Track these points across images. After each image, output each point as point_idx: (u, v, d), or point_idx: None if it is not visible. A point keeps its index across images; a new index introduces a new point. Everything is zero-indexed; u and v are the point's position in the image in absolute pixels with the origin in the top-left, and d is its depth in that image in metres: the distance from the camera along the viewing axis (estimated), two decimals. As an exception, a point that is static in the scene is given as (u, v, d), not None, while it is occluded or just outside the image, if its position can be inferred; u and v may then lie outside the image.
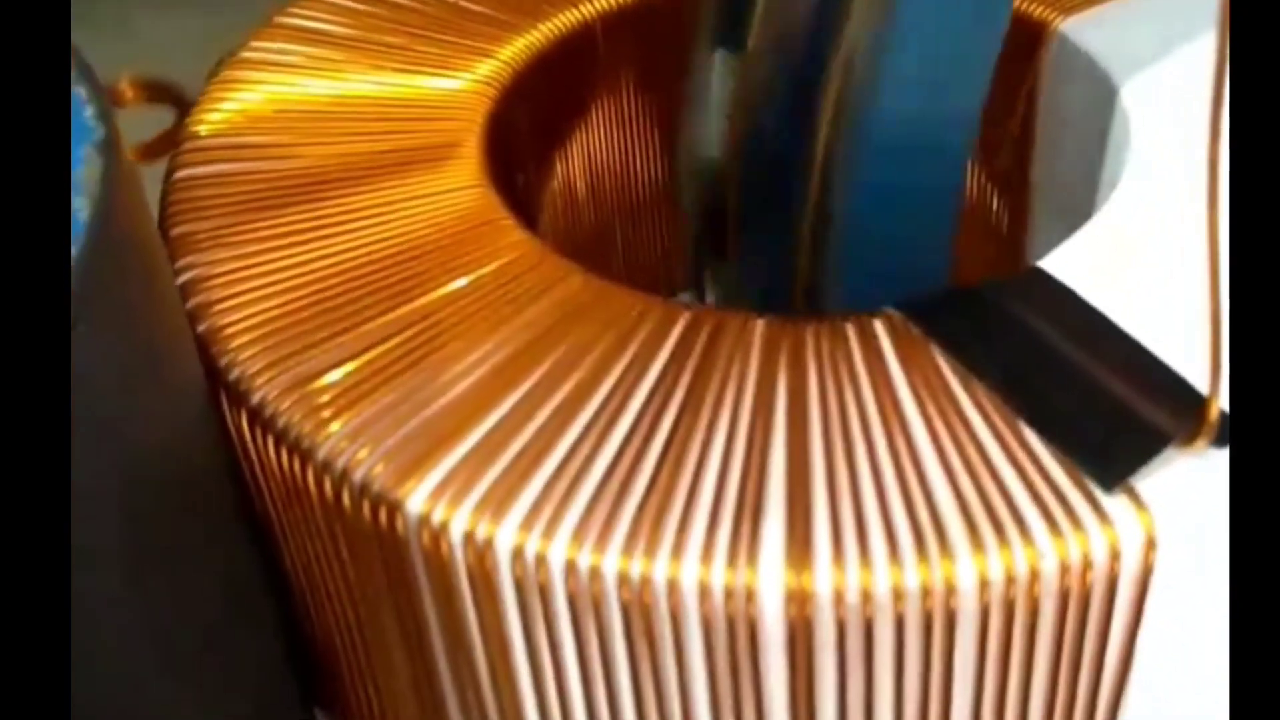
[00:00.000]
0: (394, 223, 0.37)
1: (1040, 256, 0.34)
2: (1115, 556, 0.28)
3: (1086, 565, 0.28)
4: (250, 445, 0.33)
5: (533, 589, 0.29)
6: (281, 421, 0.32)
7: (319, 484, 0.32)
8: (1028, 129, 0.46)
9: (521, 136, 0.44)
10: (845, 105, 0.37)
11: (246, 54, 0.44)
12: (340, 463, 0.31)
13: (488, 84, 0.43)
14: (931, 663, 0.29)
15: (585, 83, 0.48)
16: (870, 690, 0.29)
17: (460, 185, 0.38)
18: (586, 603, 0.29)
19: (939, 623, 0.28)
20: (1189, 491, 0.29)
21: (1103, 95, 0.41)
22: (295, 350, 0.33)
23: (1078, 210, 0.42)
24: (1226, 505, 0.29)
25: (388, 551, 0.31)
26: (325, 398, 0.32)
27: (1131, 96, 0.40)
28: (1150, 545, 0.28)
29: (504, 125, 0.42)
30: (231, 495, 0.35)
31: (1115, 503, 0.28)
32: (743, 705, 0.30)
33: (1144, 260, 0.34)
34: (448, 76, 0.43)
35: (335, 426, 0.32)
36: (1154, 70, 0.41)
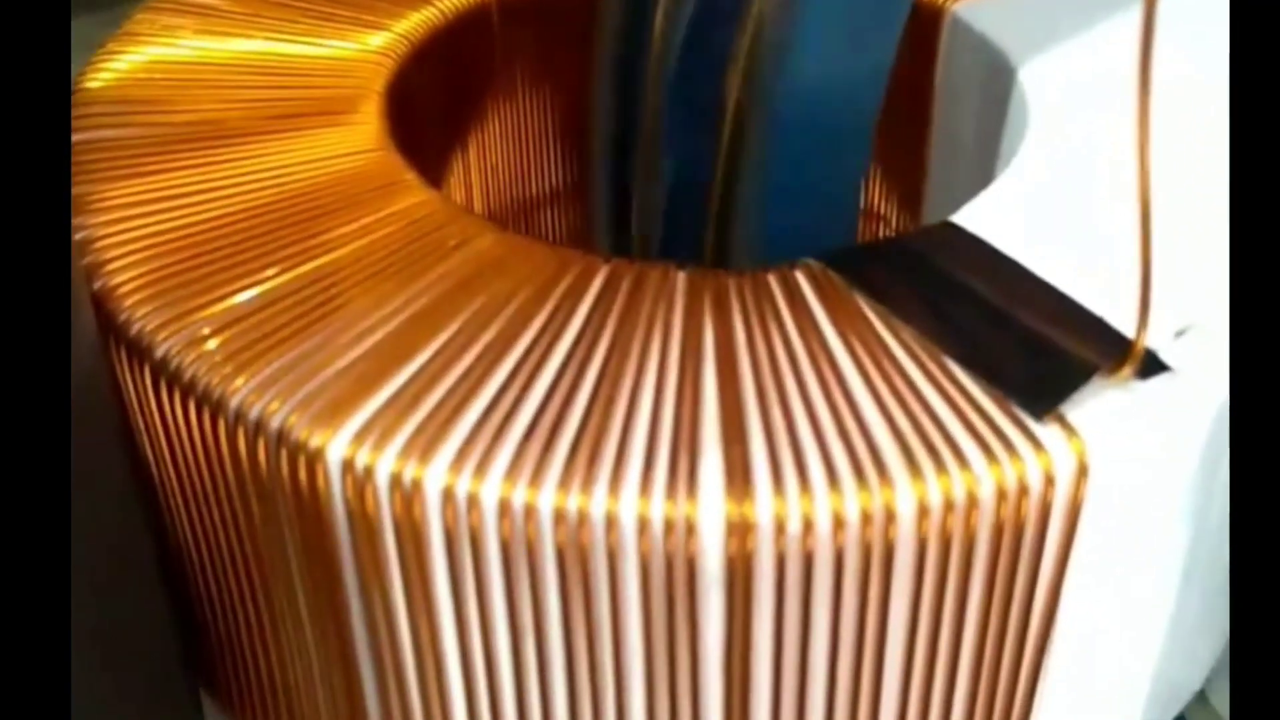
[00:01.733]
0: (291, 179, 0.36)
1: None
2: (1049, 482, 0.29)
3: (1022, 491, 0.28)
4: (152, 405, 0.32)
5: (463, 535, 0.29)
6: (188, 375, 0.31)
7: (231, 438, 0.31)
8: (923, 109, 0.47)
9: (422, 112, 0.43)
10: (760, 53, 0.37)
11: (132, 26, 0.43)
12: (253, 414, 0.30)
13: (384, 54, 0.42)
14: (868, 598, 0.29)
15: (483, 68, 0.48)
16: (806, 629, 0.29)
17: (361, 147, 0.38)
18: (520, 547, 0.28)
19: (877, 554, 0.28)
20: (1118, 424, 0.29)
21: (1000, 74, 0.43)
22: (199, 305, 0.32)
23: (973, 183, 0.43)
24: (1157, 440, 0.30)
25: (305, 507, 0.30)
26: (232, 349, 0.31)
27: (1029, 74, 0.42)
28: (1082, 471, 0.29)
29: (403, 96, 0.41)
30: (121, 465, 0.34)
31: (1047, 431, 0.29)
32: (677, 650, 0.29)
33: (1047, 216, 0.35)
34: (342, 44, 0.42)
35: (244, 378, 0.31)
36: (1048, 48, 0.42)
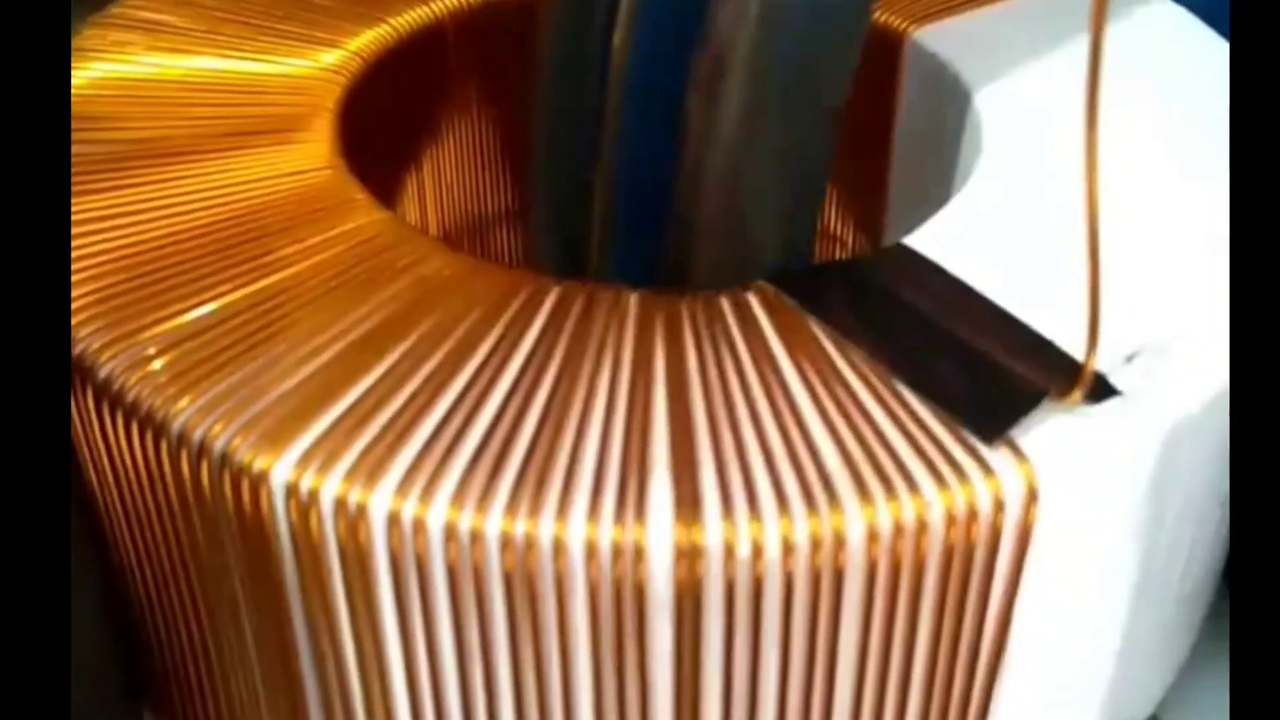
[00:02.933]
0: (240, 198, 0.36)
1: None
2: (999, 507, 0.29)
3: (971, 515, 0.29)
4: (95, 427, 0.32)
5: (409, 560, 0.29)
6: (131, 397, 0.31)
7: (174, 461, 0.30)
8: (884, 133, 0.47)
9: (375, 130, 0.43)
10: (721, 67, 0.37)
11: (80, 42, 0.42)
12: (196, 436, 0.30)
13: (337, 71, 0.42)
14: (818, 623, 0.29)
15: (437, 86, 0.48)
16: (756, 654, 0.29)
17: (311, 165, 0.38)
18: (466, 572, 0.28)
19: (827, 579, 0.28)
20: (1067, 448, 0.30)
21: (956, 98, 0.43)
22: (145, 325, 0.32)
23: (931, 208, 0.43)
24: (1106, 464, 0.30)
25: (249, 532, 0.30)
26: (175, 371, 0.31)
27: (984, 98, 0.42)
28: (1032, 496, 0.29)
29: (356, 113, 0.41)
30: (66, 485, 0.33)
31: (997, 455, 0.29)
32: (626, 676, 0.29)
33: (999, 240, 0.36)
34: (295, 61, 0.42)
35: (188, 400, 0.30)
36: (1004, 73, 0.43)
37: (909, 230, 0.36)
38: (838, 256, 0.52)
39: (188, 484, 0.30)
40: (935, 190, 0.44)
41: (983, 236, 0.36)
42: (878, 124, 0.47)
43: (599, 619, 0.29)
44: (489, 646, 0.29)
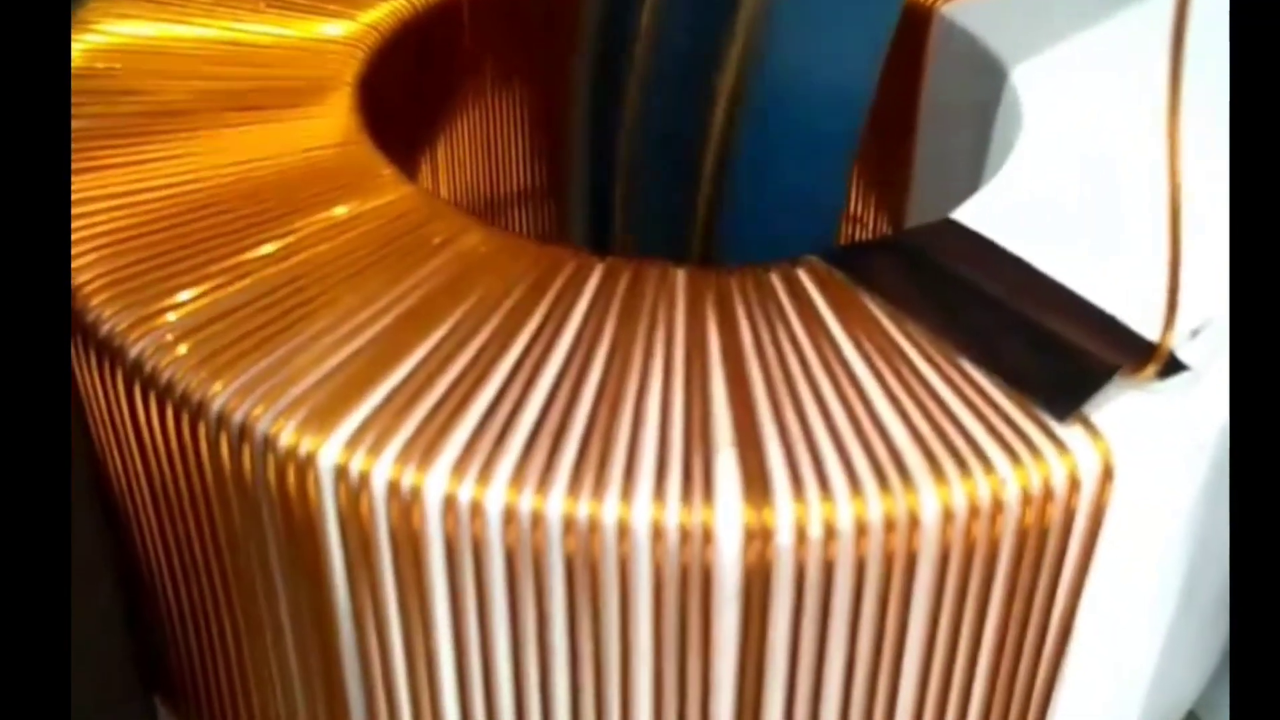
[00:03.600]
0: (261, 171, 0.35)
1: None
2: (1074, 486, 0.28)
3: (1047, 494, 0.28)
4: (123, 408, 0.31)
5: (465, 545, 0.27)
6: (165, 378, 0.30)
7: (212, 445, 0.29)
8: (910, 110, 0.46)
9: (389, 105, 0.42)
10: (750, 47, 0.36)
11: (85, 14, 0.41)
12: (237, 418, 0.29)
13: (353, 43, 0.41)
14: (888, 610, 0.28)
15: (451, 63, 0.47)
16: (823, 643, 0.28)
17: (333, 139, 0.37)
18: (526, 557, 0.27)
19: (899, 562, 0.28)
20: (1141, 425, 0.29)
21: (990, 75, 0.42)
22: (172, 304, 0.31)
23: (961, 186, 0.43)
24: (1176, 442, 0.29)
25: (293, 517, 0.29)
26: (211, 349, 0.30)
27: (1020, 73, 0.41)
28: (1107, 475, 0.28)
29: (373, 88, 0.40)
30: (79, 469, 0.32)
31: (1071, 433, 0.28)
32: (688, 665, 0.28)
33: (1046, 215, 0.35)
34: (307, 32, 0.41)
35: (225, 380, 0.29)
36: (1038, 47, 0.42)
37: (940, 208, 0.35)
38: (858, 238, 0.51)
39: (226, 468, 0.29)
40: (966, 168, 0.44)
41: (1028, 211, 0.35)
42: (903, 102, 0.46)
43: (663, 605, 0.28)
44: (545, 635, 0.28)
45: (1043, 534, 0.28)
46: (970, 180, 0.43)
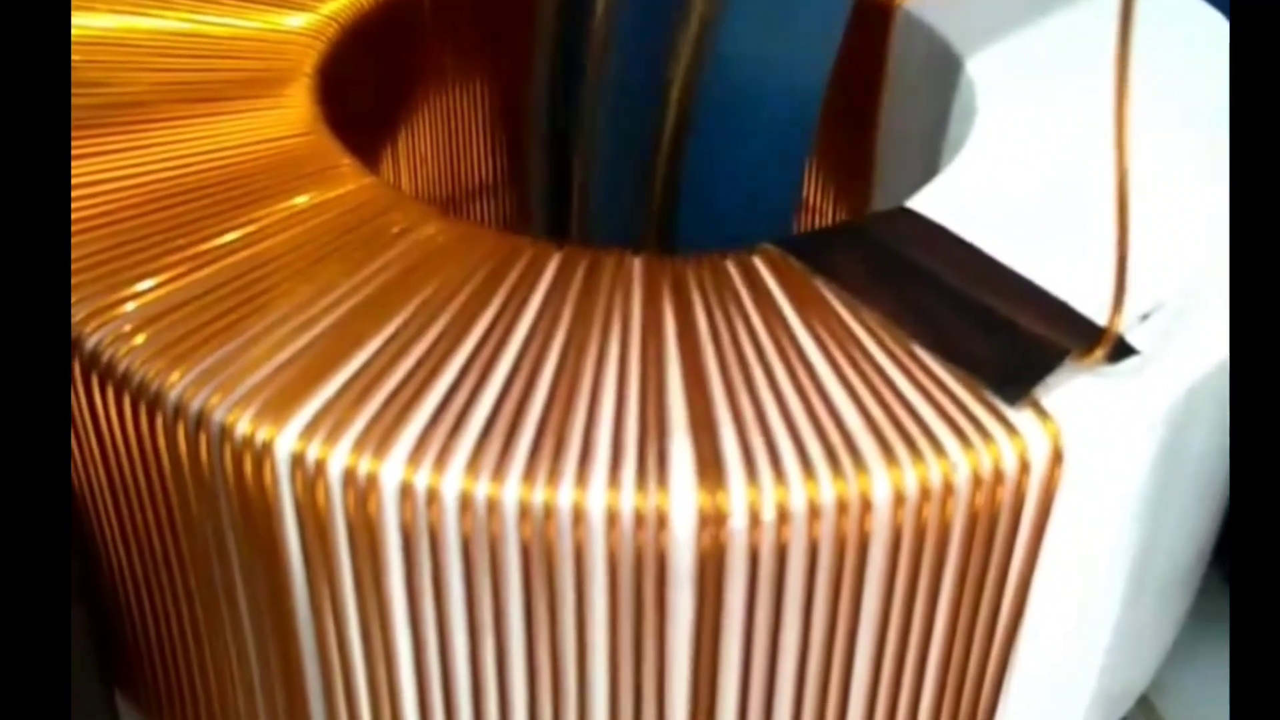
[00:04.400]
0: (219, 162, 0.35)
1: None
2: (1025, 468, 0.28)
3: (997, 477, 0.28)
4: (81, 399, 0.31)
5: (421, 533, 0.28)
6: (121, 369, 0.30)
7: (169, 435, 0.29)
8: (872, 102, 0.47)
9: (349, 97, 0.42)
10: (701, 45, 0.37)
11: (40, 4, 0.41)
12: (194, 407, 0.29)
13: (312, 34, 0.41)
14: (841, 593, 0.29)
15: (413, 56, 0.47)
16: (777, 625, 0.29)
17: (292, 129, 0.37)
18: (482, 544, 0.28)
19: (852, 546, 0.28)
20: (1089, 408, 0.29)
21: (946, 64, 0.43)
22: (128, 295, 0.31)
23: (919, 177, 0.43)
24: (1125, 425, 0.30)
25: (250, 506, 0.29)
26: (168, 340, 0.30)
27: (975, 64, 0.42)
28: (1057, 457, 0.29)
29: (332, 79, 0.40)
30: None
31: (1021, 416, 0.29)
32: (644, 648, 0.29)
33: (999, 203, 0.35)
34: (265, 23, 0.41)
35: (183, 370, 0.29)
36: (995, 38, 0.43)
37: (898, 198, 0.36)
38: (814, 226, 0.52)
39: (184, 458, 0.29)
40: (924, 159, 0.44)
41: (982, 200, 0.36)
42: (865, 94, 0.47)
43: (618, 590, 0.28)
44: (502, 621, 0.29)
45: (993, 516, 0.29)
46: (928, 171, 0.43)
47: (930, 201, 0.35)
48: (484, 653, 0.29)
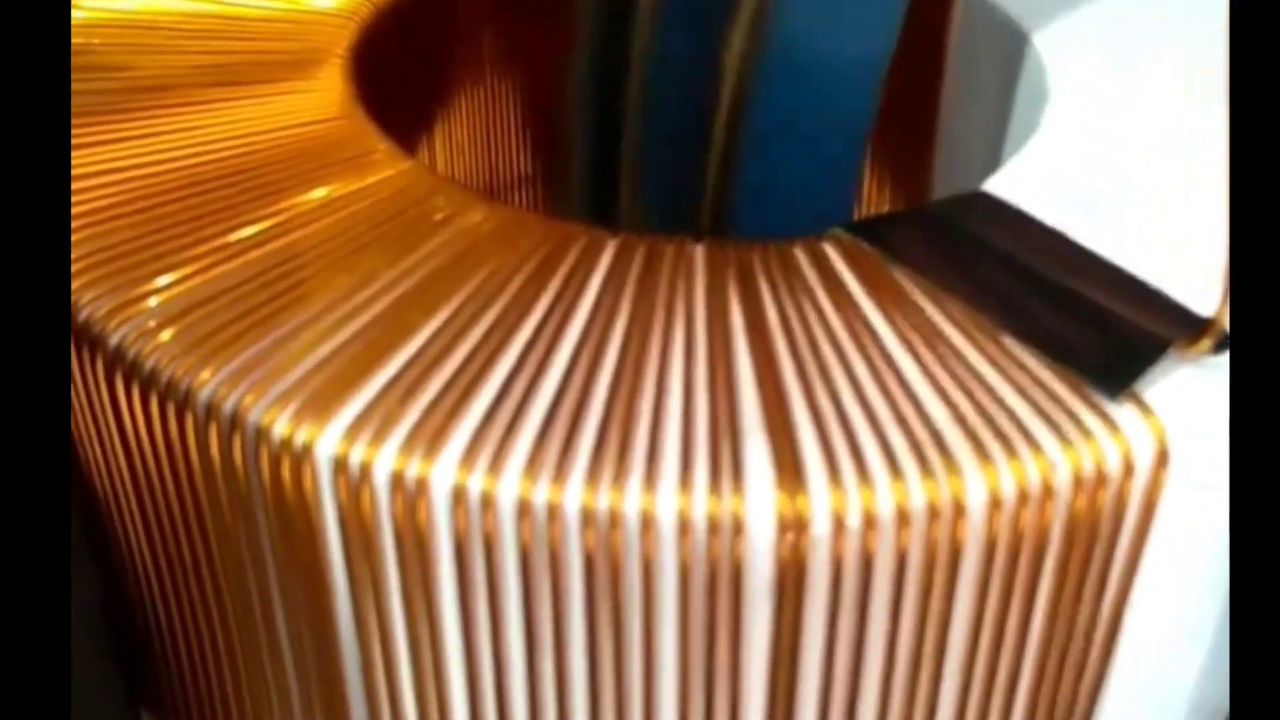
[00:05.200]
0: (250, 148, 0.34)
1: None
2: (1128, 469, 0.26)
3: (1100, 479, 0.26)
4: (103, 399, 0.29)
5: (476, 541, 0.26)
6: (148, 366, 0.28)
7: (200, 437, 0.27)
8: (934, 86, 0.45)
9: (384, 82, 0.40)
10: (759, 21, 0.35)
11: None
12: (227, 408, 0.27)
13: (345, 16, 0.39)
14: (930, 607, 0.27)
15: (448, 40, 0.45)
16: (860, 642, 0.27)
17: (325, 113, 0.35)
18: (541, 554, 0.26)
19: (943, 554, 0.26)
20: (1194, 404, 0.27)
21: (1013, 46, 0.41)
22: (155, 287, 0.29)
23: (984, 161, 0.41)
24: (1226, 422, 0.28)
25: (288, 513, 0.27)
26: (197, 336, 0.28)
27: (1043, 39, 0.40)
28: (1162, 457, 0.27)
29: (366, 62, 0.38)
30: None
31: (1123, 412, 0.27)
32: (716, 670, 0.27)
33: (1078, 186, 0.33)
34: (297, 5, 0.39)
35: (214, 368, 0.27)
36: (1061, 13, 0.41)
37: (960, 185, 0.34)
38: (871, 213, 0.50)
39: (216, 462, 0.27)
40: (989, 142, 0.42)
41: (1060, 183, 0.33)
42: (924, 77, 0.45)
43: (689, 604, 0.26)
44: (563, 639, 0.27)
45: (1094, 522, 0.27)
46: (994, 155, 0.41)
47: (1005, 185, 0.33)
48: (543, 673, 0.27)
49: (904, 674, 0.28)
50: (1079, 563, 0.27)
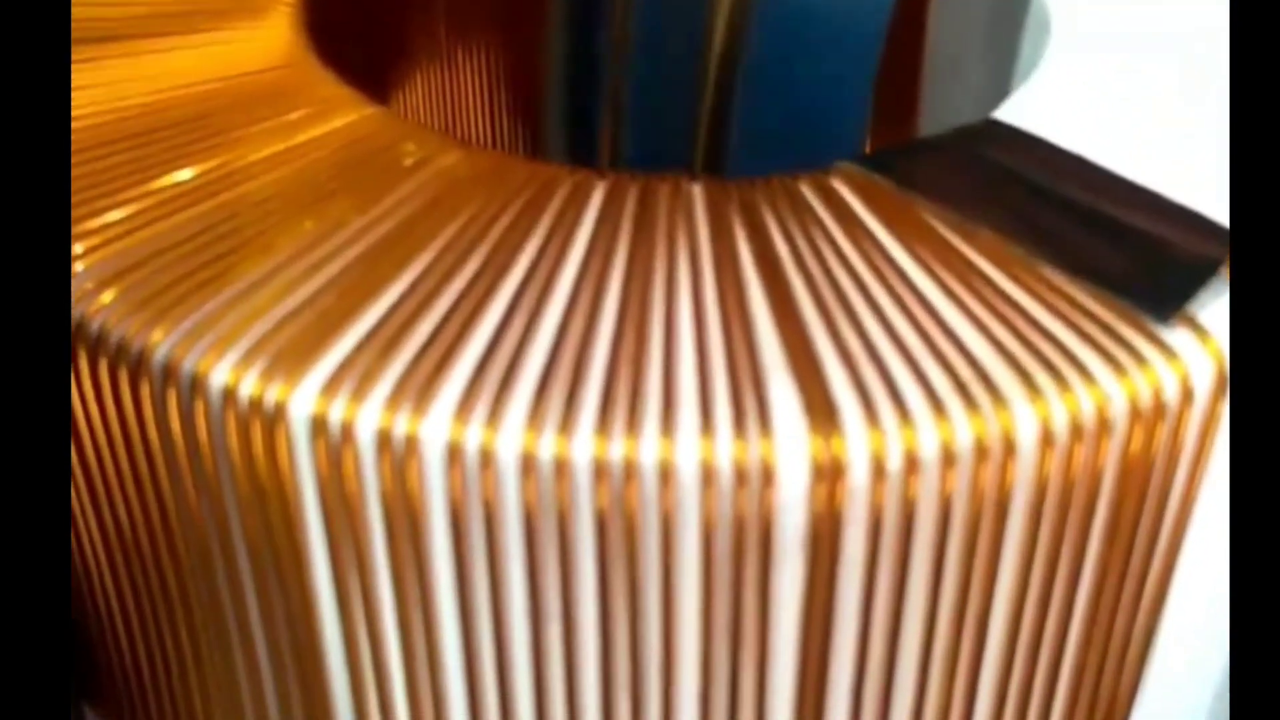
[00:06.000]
0: (201, 90, 0.31)
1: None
2: (1187, 397, 0.24)
3: (1158, 410, 0.24)
4: (46, 369, 0.26)
5: (474, 505, 0.23)
6: (95, 327, 0.25)
7: (157, 402, 0.25)
8: (918, 15, 0.43)
9: (341, 31, 0.37)
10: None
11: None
12: (186, 368, 0.24)
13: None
14: (975, 559, 0.24)
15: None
16: (900, 600, 0.25)
17: (277, 58, 0.33)
18: (549, 516, 0.23)
19: (990, 501, 0.24)
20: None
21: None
22: (102, 240, 0.27)
23: (979, 94, 0.39)
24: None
25: (260, 484, 0.24)
26: (149, 292, 0.25)
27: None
28: (1221, 383, 0.25)
29: (317, 9, 0.36)
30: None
31: (1177, 336, 0.25)
32: (742, 635, 0.24)
33: (1091, 114, 0.31)
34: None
35: (169, 326, 0.25)
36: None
37: (953, 119, 0.32)
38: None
39: (176, 431, 0.25)
40: (984, 75, 0.40)
41: (1072, 111, 0.31)
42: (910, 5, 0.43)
43: (713, 563, 0.24)
44: (572, 606, 0.24)
45: (1149, 460, 0.25)
46: (992, 87, 0.39)
47: (1019, 112, 0.31)
48: (549, 647, 0.25)
49: (946, 634, 0.25)
50: (1132, 506, 0.25)
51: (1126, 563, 0.26)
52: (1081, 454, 0.24)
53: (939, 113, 0.42)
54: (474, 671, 0.25)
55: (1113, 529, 0.25)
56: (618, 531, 0.23)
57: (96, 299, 0.26)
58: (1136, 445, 0.24)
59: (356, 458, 0.23)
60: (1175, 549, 0.27)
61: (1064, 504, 0.24)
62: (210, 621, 0.28)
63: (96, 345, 0.25)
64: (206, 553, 0.26)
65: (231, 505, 0.25)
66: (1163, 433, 0.24)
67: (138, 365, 0.25)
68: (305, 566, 0.25)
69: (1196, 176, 0.28)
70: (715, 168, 0.34)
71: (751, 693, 0.25)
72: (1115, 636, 0.27)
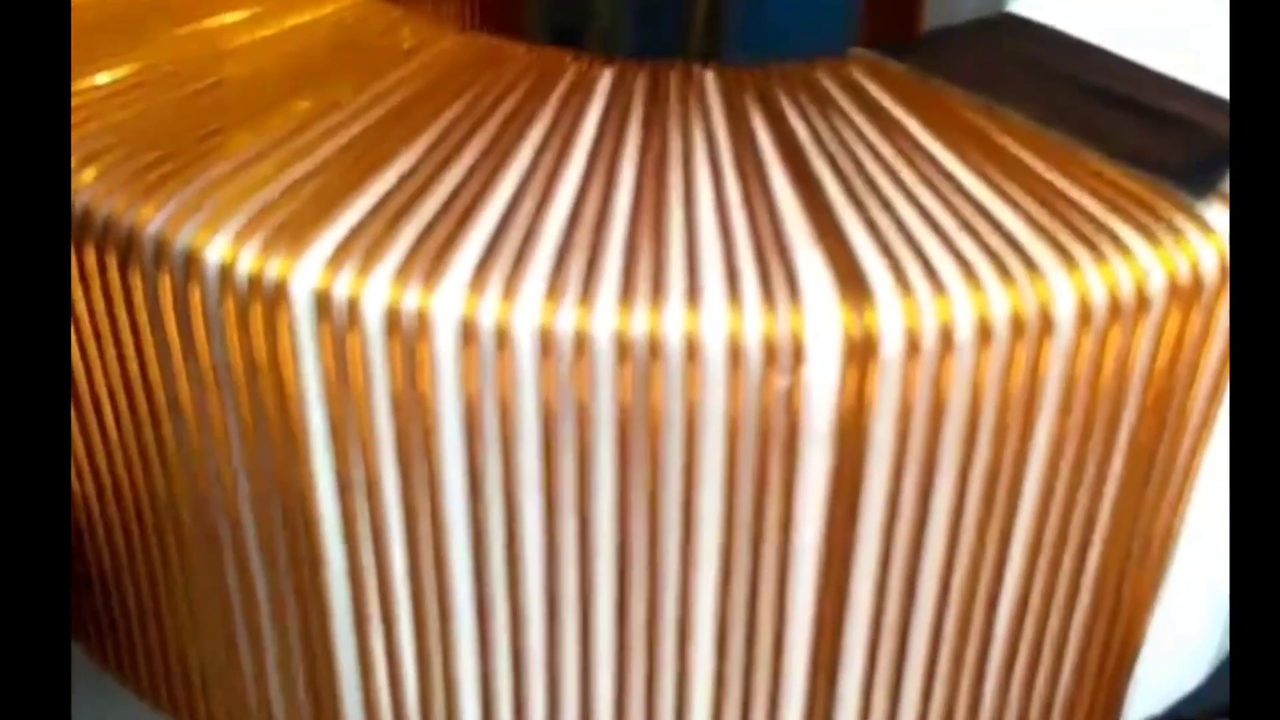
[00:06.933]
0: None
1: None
2: (1224, 275, 0.24)
3: (1196, 283, 0.23)
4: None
5: (488, 389, 0.22)
6: (80, 205, 0.24)
7: (148, 285, 0.24)
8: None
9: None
10: None
11: None
12: (179, 245, 0.23)
13: None
14: (1005, 443, 0.24)
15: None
16: (928, 482, 0.24)
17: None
18: (568, 398, 0.22)
19: (1022, 383, 0.23)
20: None
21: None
22: (83, 115, 0.26)
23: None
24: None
25: (258, 367, 0.23)
26: (135, 168, 0.24)
27: None
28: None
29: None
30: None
31: (1214, 212, 0.24)
32: (765, 518, 0.24)
33: (1105, 11, 0.31)
34: None
35: (159, 203, 0.24)
36: None
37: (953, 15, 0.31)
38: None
39: (168, 314, 0.24)
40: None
41: (1086, 8, 0.31)
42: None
43: (738, 447, 0.23)
44: (588, 493, 0.23)
45: (1181, 339, 0.24)
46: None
47: (1032, 7, 0.31)
48: (564, 539, 0.24)
49: (971, 530, 0.25)
50: (1164, 394, 0.25)
51: (1153, 455, 0.26)
52: (1117, 333, 0.23)
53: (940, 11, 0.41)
54: (482, 569, 0.25)
55: (1146, 418, 0.25)
56: (639, 425, 0.22)
57: (78, 176, 0.24)
58: (1172, 325, 0.24)
59: (362, 336, 0.22)
60: (1202, 440, 0.26)
61: (1093, 389, 0.24)
62: (201, 531, 0.27)
63: (82, 227, 0.24)
64: (194, 445, 0.25)
65: (225, 390, 0.24)
66: (1198, 311, 0.24)
67: (127, 246, 0.24)
68: (305, 460, 0.24)
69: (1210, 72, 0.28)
70: (711, 53, 0.33)
71: (771, 591, 0.25)
72: (1138, 536, 0.27)
